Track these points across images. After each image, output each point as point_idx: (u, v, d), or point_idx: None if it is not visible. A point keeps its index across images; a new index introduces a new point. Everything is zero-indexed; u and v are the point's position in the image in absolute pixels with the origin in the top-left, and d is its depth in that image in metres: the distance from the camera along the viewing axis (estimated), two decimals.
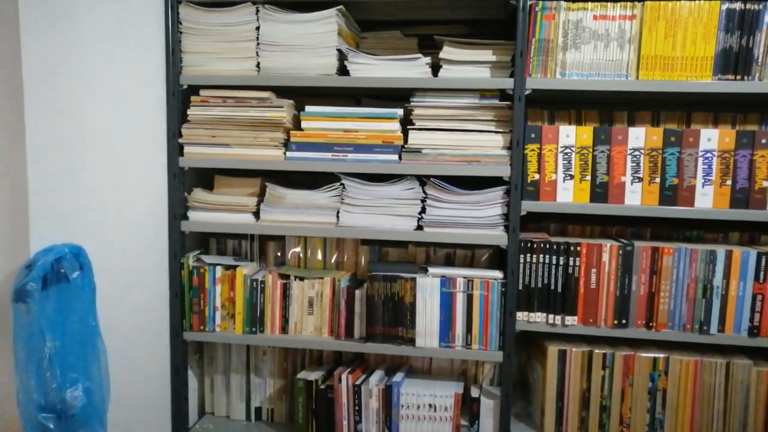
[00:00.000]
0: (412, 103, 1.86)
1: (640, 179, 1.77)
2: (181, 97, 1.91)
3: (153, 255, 1.89)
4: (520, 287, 1.85)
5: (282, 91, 1.93)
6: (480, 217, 1.85)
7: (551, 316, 1.84)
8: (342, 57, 1.88)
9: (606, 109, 1.92)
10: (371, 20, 2.11)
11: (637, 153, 1.77)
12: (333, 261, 2.09)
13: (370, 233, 1.90)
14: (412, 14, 2.10)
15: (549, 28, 1.76)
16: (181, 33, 1.89)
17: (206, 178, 2.05)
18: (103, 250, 1.60)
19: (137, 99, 1.77)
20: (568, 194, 1.82)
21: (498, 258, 2.01)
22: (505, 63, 1.82)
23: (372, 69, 1.85)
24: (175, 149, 1.92)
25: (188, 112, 1.91)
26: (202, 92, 1.91)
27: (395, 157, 1.85)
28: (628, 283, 1.80)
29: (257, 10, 1.85)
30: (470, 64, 1.83)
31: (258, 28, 1.86)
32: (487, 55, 1.82)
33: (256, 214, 1.96)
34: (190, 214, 1.97)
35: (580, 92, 1.86)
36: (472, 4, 2.02)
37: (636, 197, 1.78)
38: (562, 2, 1.74)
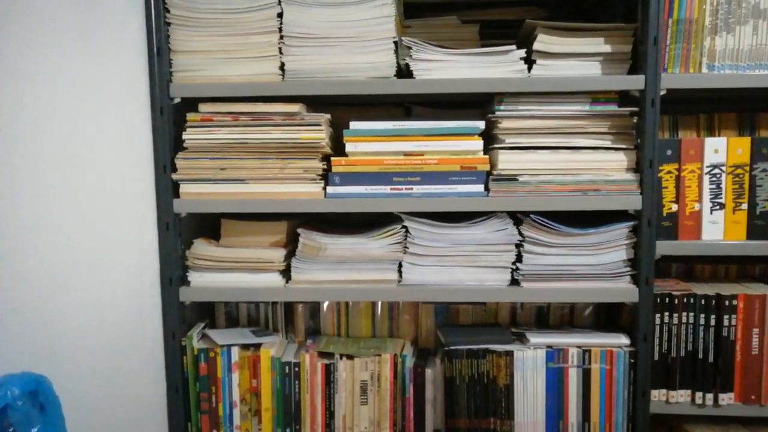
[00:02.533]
0: (498, 113, 1.35)
1: None
2: (172, 115, 1.36)
3: (141, 340, 1.34)
4: (656, 357, 1.36)
5: (306, 101, 1.39)
6: (598, 265, 1.36)
7: (699, 393, 1.37)
8: (396, 52, 1.36)
9: (747, 110, 1.46)
10: (411, 3, 1.59)
11: None
12: (379, 315, 1.56)
13: (445, 294, 1.39)
14: None
15: (692, 4, 1.28)
16: (169, 24, 1.33)
17: (211, 224, 1.49)
18: (69, 361, 1.05)
19: (109, 119, 1.21)
20: (718, 230, 1.34)
21: (606, 313, 1.53)
22: (622, 55, 1.34)
23: (444, 68, 1.33)
24: (168, 189, 1.36)
25: (184, 135, 1.35)
26: (203, 107, 1.36)
27: (480, 187, 1.34)
28: None
29: None
30: (574, 58, 1.34)
31: (280, 15, 1.32)
32: (598, 44, 1.33)
33: (286, 273, 1.42)
34: (192, 276, 1.41)
35: (716, 89, 1.38)
36: None
37: None
38: None
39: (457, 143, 1.35)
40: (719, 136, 1.45)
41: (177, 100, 1.35)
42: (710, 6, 1.27)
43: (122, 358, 1.26)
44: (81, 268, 1.16)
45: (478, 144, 1.35)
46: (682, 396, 1.37)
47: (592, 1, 1.58)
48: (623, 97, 1.35)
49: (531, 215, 1.36)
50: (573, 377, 1.38)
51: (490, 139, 1.39)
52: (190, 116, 1.35)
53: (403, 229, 1.39)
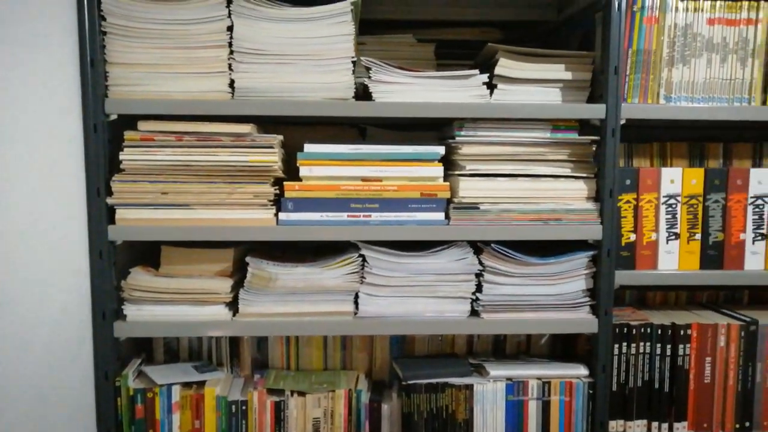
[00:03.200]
0: (458, 139, 1.31)
1: (764, 236, 1.34)
2: (108, 133, 1.23)
3: (69, 382, 1.21)
4: (614, 387, 1.35)
5: (256, 120, 1.30)
6: (557, 295, 1.34)
7: (655, 423, 1.37)
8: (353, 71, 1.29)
9: (697, 139, 1.48)
10: (365, 19, 1.53)
11: (760, 202, 1.34)
12: (331, 345, 1.48)
13: (404, 326, 1.33)
14: (430, 13, 1.56)
15: (651, 35, 1.28)
16: (105, 34, 1.21)
17: (150, 251, 1.37)
18: None
19: (35, 137, 1.09)
20: (673, 259, 1.35)
21: (563, 341, 1.51)
22: (582, 83, 1.33)
23: (404, 91, 1.28)
24: (101, 214, 1.23)
25: (121, 156, 1.23)
26: (143, 125, 1.25)
27: (441, 215, 1.30)
28: (751, 374, 1.36)
29: (228, 1, 1.22)
30: (536, 84, 1.32)
31: (231, 29, 1.23)
32: (559, 71, 1.32)
33: (233, 305, 1.32)
34: (128, 309, 1.29)
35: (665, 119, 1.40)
36: (513, 2, 1.52)
37: (758, 260, 1.35)
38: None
39: (416, 169, 1.30)
40: (671, 165, 1.47)
41: (113, 117, 1.23)
42: (668, 38, 1.28)
43: (47, 403, 1.13)
44: (1, 301, 1.02)
45: (438, 170, 1.30)
46: (638, 426, 1.37)
47: (550, 26, 1.58)
48: (582, 125, 1.33)
49: (492, 245, 1.32)
50: (533, 410, 1.35)
51: (448, 164, 1.35)
52: (128, 135, 1.24)
53: (360, 258, 1.32)
